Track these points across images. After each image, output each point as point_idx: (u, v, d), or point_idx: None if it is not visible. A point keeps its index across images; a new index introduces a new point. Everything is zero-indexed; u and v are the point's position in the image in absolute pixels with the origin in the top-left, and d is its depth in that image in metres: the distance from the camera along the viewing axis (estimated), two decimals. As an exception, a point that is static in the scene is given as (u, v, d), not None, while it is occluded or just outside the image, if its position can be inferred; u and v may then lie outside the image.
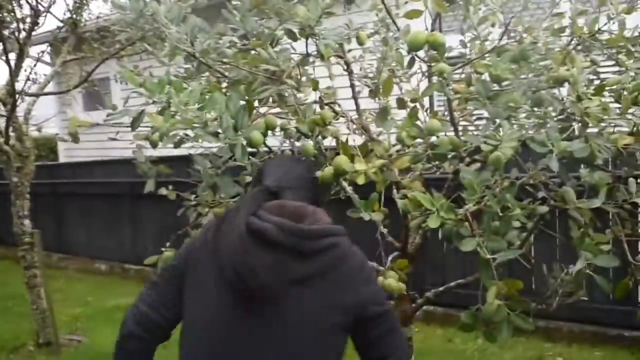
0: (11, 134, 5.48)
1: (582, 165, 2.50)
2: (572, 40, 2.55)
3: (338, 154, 2.15)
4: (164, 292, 1.77)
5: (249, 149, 2.05)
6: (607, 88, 2.18)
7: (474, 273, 2.68)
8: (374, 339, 1.68)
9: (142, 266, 7.66)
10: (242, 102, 2.02)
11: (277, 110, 2.46)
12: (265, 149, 2.70)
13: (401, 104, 2.17)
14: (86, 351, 5.54)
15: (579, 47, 2.57)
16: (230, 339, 1.61)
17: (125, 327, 1.77)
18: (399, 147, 2.22)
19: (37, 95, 5.92)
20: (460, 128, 2.62)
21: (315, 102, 2.33)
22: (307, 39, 2.21)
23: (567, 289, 2.82)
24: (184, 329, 1.73)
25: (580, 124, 2.06)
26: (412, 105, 2.20)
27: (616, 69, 2.63)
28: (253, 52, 2.32)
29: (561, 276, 2.85)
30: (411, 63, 2.36)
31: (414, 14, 2.29)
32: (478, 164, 2.48)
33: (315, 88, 2.28)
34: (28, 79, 5.97)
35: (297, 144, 2.60)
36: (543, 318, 5.01)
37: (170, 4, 2.14)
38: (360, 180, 1.88)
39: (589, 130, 2.10)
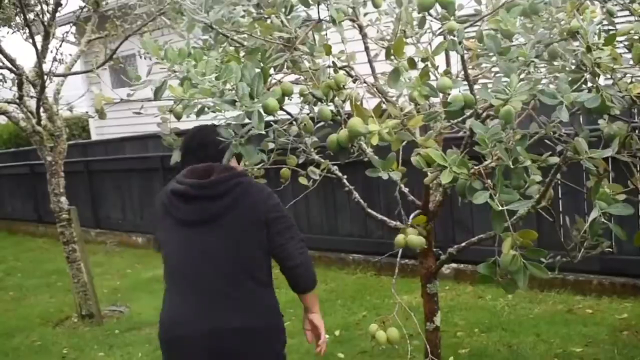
0: (42, 114, 5.62)
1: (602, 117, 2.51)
2: (586, -10, 2.54)
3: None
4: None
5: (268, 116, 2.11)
6: (618, 37, 2.18)
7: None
8: (276, 232, 2.39)
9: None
10: (258, 70, 2.08)
11: (294, 76, 2.51)
12: (285, 115, 2.77)
13: (412, 64, 2.20)
14: (127, 321, 5.73)
15: (594, -2, 2.56)
16: (192, 248, 2.40)
17: None
18: (413, 106, 2.27)
19: (64, 75, 6.04)
20: (479, 86, 2.65)
21: (329, 66, 2.38)
22: (318, 4, 2.25)
23: (592, 237, 2.86)
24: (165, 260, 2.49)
25: (590, 75, 2.07)
26: (423, 64, 2.23)
27: (633, 19, 2.62)
28: (268, 20, 2.37)
29: (584, 228, 2.88)
30: (422, 23, 2.38)
31: (423, -26, 2.30)
32: (496, 120, 2.51)
33: (329, 53, 2.32)
34: (55, 59, 6.08)
35: (315, 108, 2.66)
36: (572, 271, 5.03)
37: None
38: (374, 141, 1.94)
39: (601, 80, 2.11)
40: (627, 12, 2.61)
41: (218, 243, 2.39)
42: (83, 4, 6.19)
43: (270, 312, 2.44)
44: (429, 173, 2.63)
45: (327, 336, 2.61)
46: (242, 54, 2.51)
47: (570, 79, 2.06)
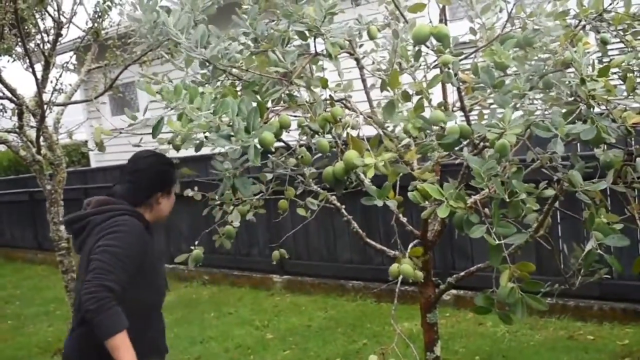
0: (42, 143, 5.64)
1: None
2: (579, 22, 2.57)
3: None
4: None
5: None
6: (612, 69, 2.20)
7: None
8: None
9: (175, 265, 7.80)
10: (254, 104, 2.09)
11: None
12: (283, 145, 2.78)
13: (406, 96, 2.22)
14: (126, 350, 5.69)
15: (587, 28, 2.59)
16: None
17: None
18: (410, 138, 2.28)
19: (64, 104, 6.07)
20: (476, 112, 2.67)
21: (325, 99, 2.40)
22: (314, 38, 2.27)
23: (586, 268, 2.85)
24: None
25: (585, 106, 2.09)
26: (417, 97, 2.24)
27: (627, 49, 2.64)
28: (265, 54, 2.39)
29: (582, 256, 2.88)
30: (417, 56, 2.40)
31: (417, 8, 2.33)
32: (492, 150, 2.52)
33: (325, 86, 2.34)
34: (55, 89, 6.11)
35: (313, 140, 2.67)
36: (573, 297, 5.02)
37: (179, 13, 2.21)
38: (370, 174, 1.95)
39: (596, 111, 2.12)
40: (620, 41, 2.64)
41: (78, 280, 2.54)
42: (83, 34, 6.23)
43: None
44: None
45: None
46: (239, 87, 2.53)
47: (564, 110, 2.07)
